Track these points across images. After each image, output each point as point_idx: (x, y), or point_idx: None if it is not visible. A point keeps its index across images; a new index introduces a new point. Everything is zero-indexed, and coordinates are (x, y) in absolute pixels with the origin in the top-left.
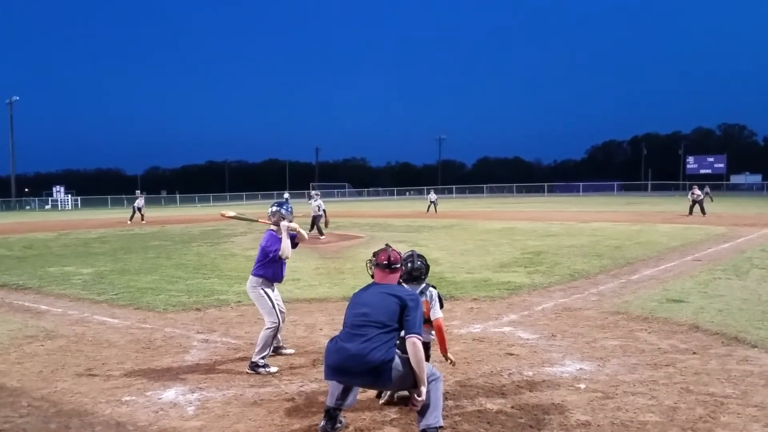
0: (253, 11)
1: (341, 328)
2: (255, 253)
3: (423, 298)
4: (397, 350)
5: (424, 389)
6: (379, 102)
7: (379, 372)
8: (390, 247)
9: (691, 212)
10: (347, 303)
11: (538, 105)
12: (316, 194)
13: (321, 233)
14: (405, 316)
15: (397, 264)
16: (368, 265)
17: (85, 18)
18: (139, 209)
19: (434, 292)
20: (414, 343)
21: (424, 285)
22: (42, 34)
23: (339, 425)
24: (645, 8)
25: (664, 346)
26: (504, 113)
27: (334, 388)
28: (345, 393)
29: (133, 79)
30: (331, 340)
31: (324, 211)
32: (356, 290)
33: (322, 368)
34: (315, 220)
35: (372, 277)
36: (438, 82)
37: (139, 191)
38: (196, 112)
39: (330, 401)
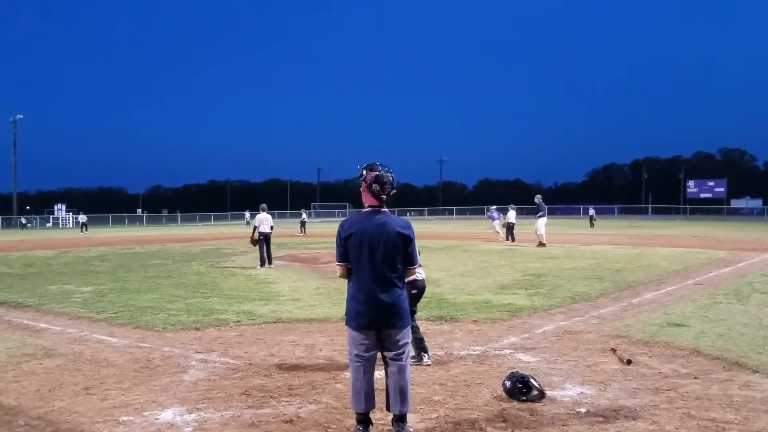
0: (255, 33)
1: (342, 349)
2: (255, 272)
3: None
4: None
5: None
6: (381, 123)
7: None
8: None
9: (508, 237)
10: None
11: (540, 128)
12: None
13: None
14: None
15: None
16: None
17: (88, 38)
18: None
19: None
20: None
21: None
22: (44, 54)
23: None
24: (645, 33)
25: (665, 371)
26: (505, 136)
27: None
28: None
29: (136, 98)
30: None
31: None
32: None
33: (321, 389)
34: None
35: None
36: (439, 104)
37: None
38: (198, 132)
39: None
